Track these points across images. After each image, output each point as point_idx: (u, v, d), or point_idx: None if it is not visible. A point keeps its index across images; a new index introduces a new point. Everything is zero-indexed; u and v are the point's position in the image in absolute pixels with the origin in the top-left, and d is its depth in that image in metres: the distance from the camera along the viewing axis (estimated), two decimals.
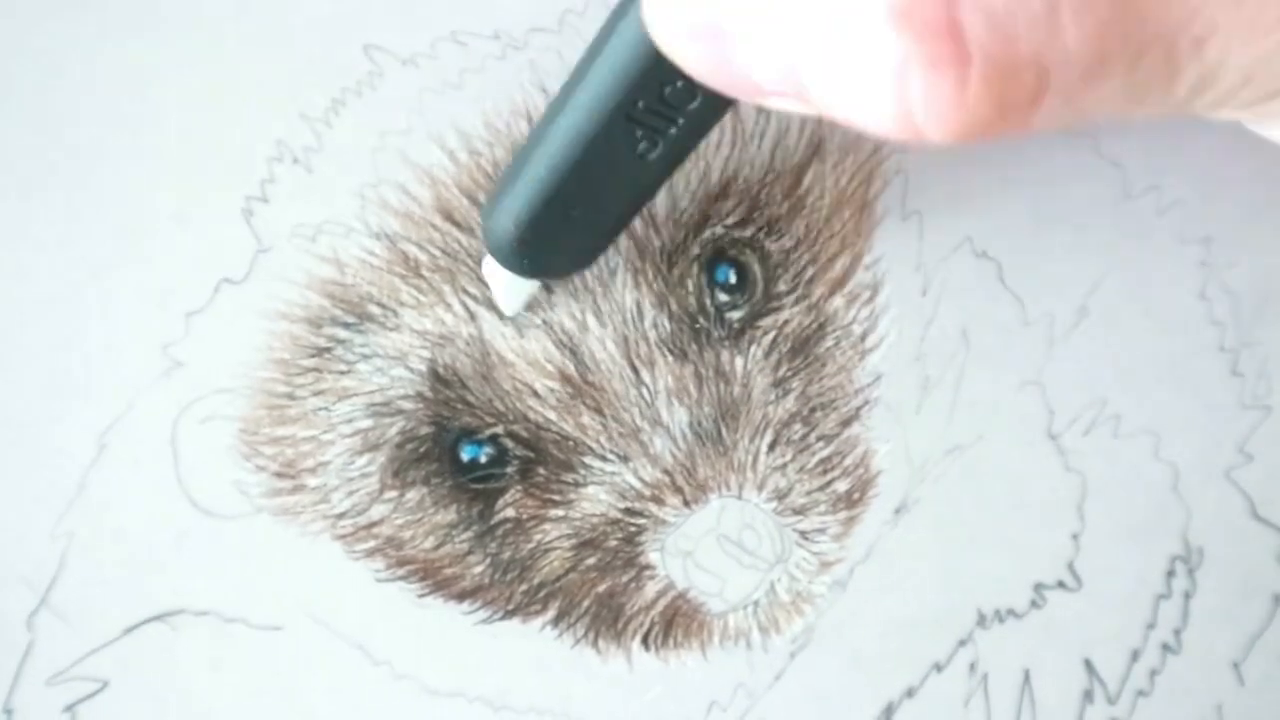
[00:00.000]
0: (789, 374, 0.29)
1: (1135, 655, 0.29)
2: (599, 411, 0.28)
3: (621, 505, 0.28)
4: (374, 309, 0.28)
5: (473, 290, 0.28)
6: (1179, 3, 0.17)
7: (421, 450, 0.28)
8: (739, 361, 0.28)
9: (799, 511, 0.28)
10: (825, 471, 0.29)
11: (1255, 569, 0.29)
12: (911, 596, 0.29)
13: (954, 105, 0.17)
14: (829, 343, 0.29)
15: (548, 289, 0.28)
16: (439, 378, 0.28)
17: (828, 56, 0.18)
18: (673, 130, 0.23)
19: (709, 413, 0.28)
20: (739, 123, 0.29)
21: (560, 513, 0.28)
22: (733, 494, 0.28)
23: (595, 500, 0.28)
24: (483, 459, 0.28)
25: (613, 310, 0.28)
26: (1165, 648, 0.29)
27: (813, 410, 0.29)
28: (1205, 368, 0.30)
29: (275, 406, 0.28)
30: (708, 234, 0.29)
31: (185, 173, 0.29)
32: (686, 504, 0.28)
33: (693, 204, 0.28)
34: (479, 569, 0.28)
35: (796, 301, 0.29)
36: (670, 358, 0.28)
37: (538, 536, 0.28)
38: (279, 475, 0.28)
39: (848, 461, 0.29)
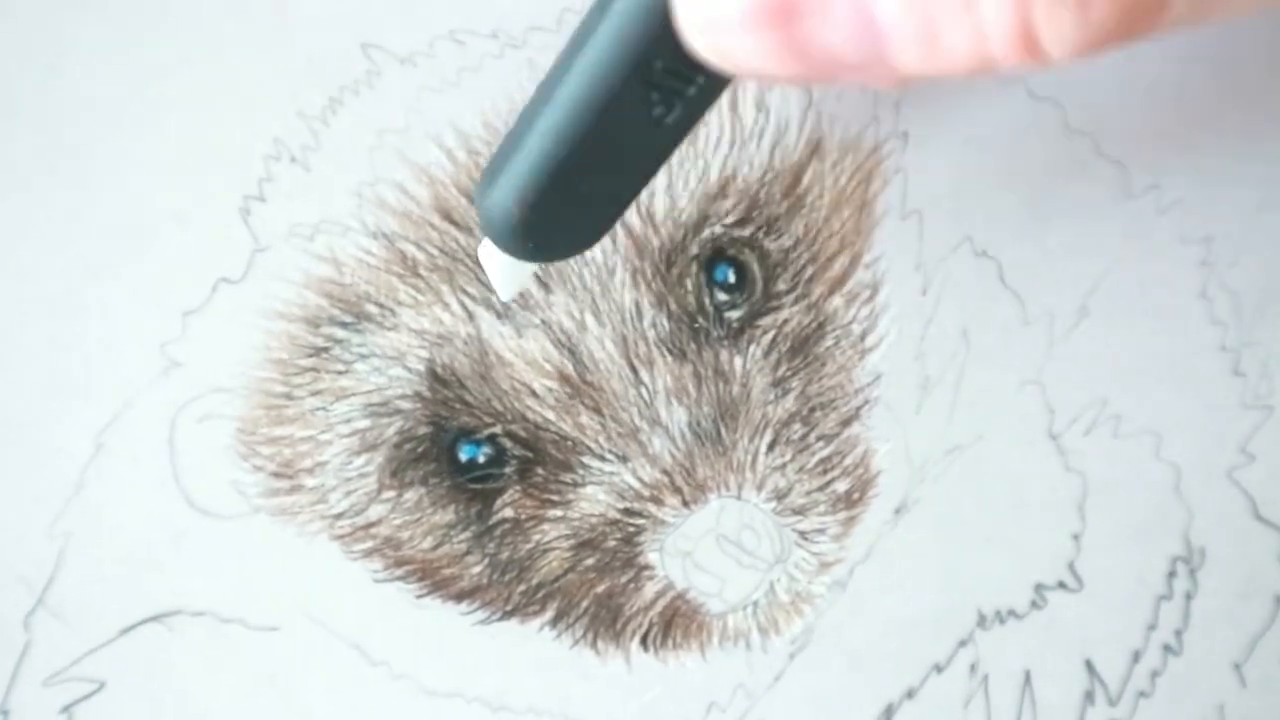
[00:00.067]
0: (788, 373, 0.29)
1: (1136, 656, 0.29)
2: (598, 411, 0.28)
3: (620, 505, 0.28)
4: (372, 308, 0.28)
5: (471, 290, 0.28)
6: None
7: (419, 450, 0.28)
8: (738, 361, 0.28)
9: (798, 511, 0.28)
10: (825, 471, 0.28)
11: (1257, 569, 0.29)
12: (911, 597, 0.29)
13: (1078, 21, 0.16)
14: (828, 342, 0.29)
15: (546, 288, 0.28)
16: (437, 377, 0.28)
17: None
18: (692, 90, 0.21)
19: (708, 412, 0.28)
20: (738, 121, 0.29)
21: (559, 513, 0.28)
22: (732, 494, 0.28)
23: (594, 500, 0.28)
24: (481, 459, 0.28)
25: (611, 310, 0.28)
26: (1166, 648, 0.29)
27: (812, 410, 0.29)
28: (1206, 367, 0.30)
29: (273, 406, 0.28)
30: (707, 233, 0.28)
31: (183, 172, 0.29)
32: (685, 504, 0.28)
33: (691, 203, 0.28)
34: (477, 569, 0.28)
35: (796, 301, 0.29)
36: (669, 357, 0.28)
37: (536, 537, 0.28)
38: (277, 475, 0.28)
39: (847, 461, 0.29)
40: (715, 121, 0.29)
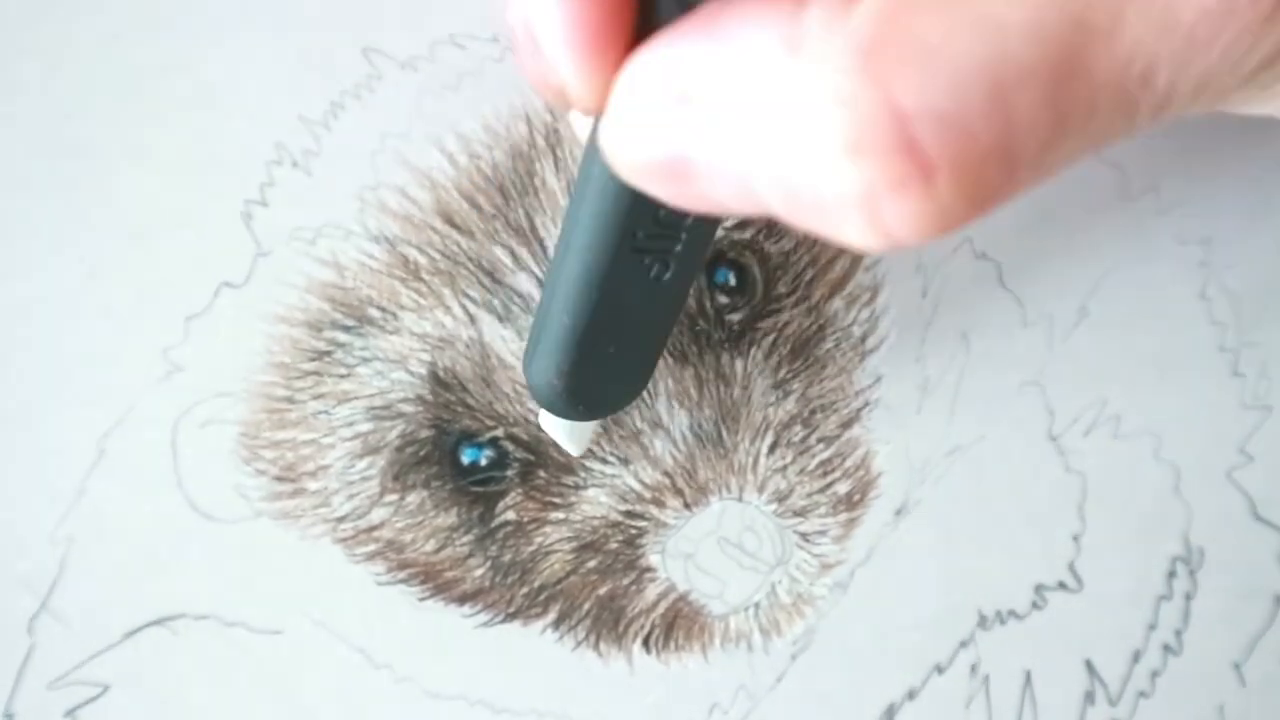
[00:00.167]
0: (789, 376, 0.29)
1: (1136, 656, 0.29)
2: None
3: (622, 508, 0.28)
4: (374, 312, 0.28)
5: (472, 293, 0.28)
6: (1117, 45, 0.17)
7: (422, 453, 0.28)
8: (739, 364, 0.28)
9: (799, 513, 0.28)
10: (826, 473, 0.28)
11: (1256, 570, 0.29)
12: (912, 598, 0.29)
13: (928, 214, 0.17)
14: (829, 344, 0.29)
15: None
16: (439, 381, 0.28)
17: (791, 192, 0.18)
18: (678, 247, 0.22)
19: (709, 415, 0.28)
20: None
21: (561, 515, 0.28)
22: (733, 496, 0.28)
23: (596, 503, 0.28)
24: (483, 462, 0.28)
25: None
26: (1166, 648, 0.29)
27: (813, 412, 0.29)
28: (1205, 368, 0.30)
29: (275, 410, 0.28)
30: None
31: (185, 176, 0.29)
32: (687, 506, 0.28)
33: None
34: (480, 572, 0.28)
35: (796, 303, 0.29)
36: (670, 360, 0.28)
37: (538, 539, 0.28)
38: (279, 479, 0.28)
39: (848, 463, 0.29)
40: None
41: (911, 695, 0.29)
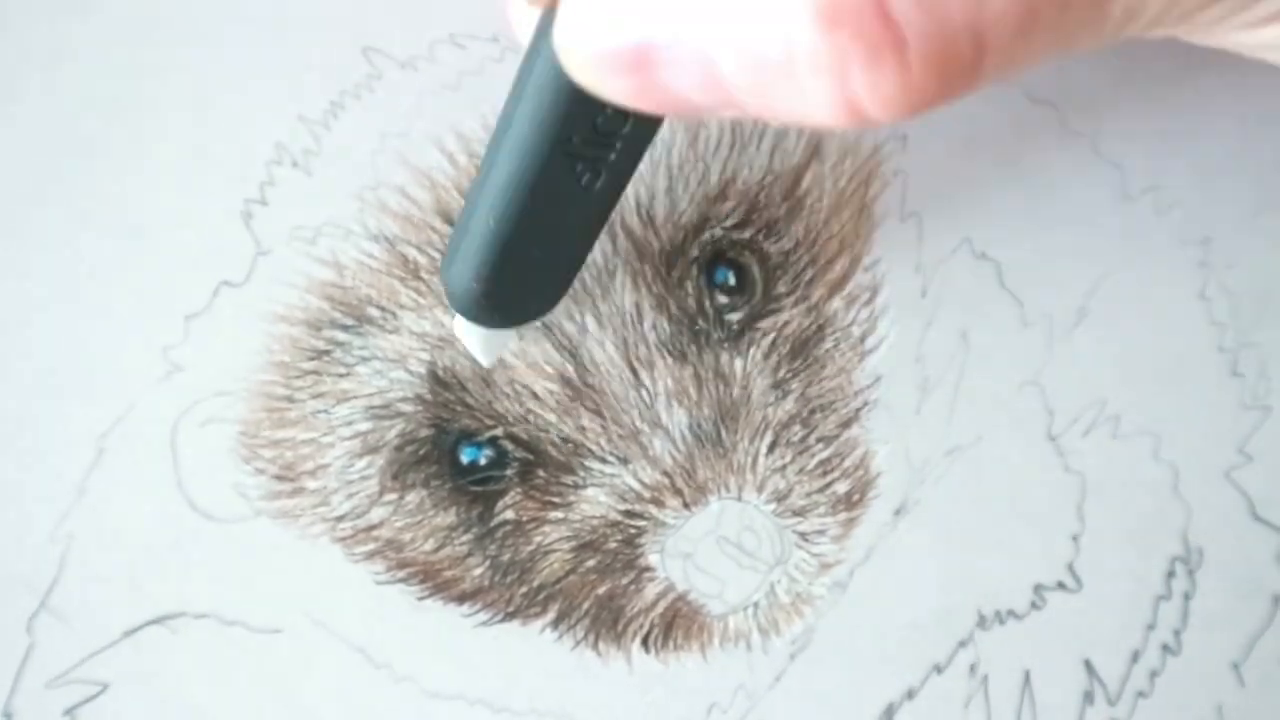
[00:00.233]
0: (788, 375, 0.29)
1: (1135, 656, 0.29)
2: (598, 414, 0.28)
3: (621, 507, 0.28)
4: (373, 311, 0.28)
5: None
6: None
7: (421, 453, 0.28)
8: (738, 363, 0.28)
9: (798, 513, 0.28)
10: (825, 473, 0.29)
11: (1255, 570, 0.29)
12: (911, 598, 0.29)
13: (899, 88, 0.17)
14: (828, 344, 0.29)
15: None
16: (438, 380, 0.28)
17: (758, 66, 0.18)
18: (612, 155, 0.23)
19: (708, 414, 0.28)
20: (737, 125, 0.29)
21: (560, 515, 0.28)
22: (732, 496, 0.28)
23: (595, 502, 0.28)
24: (482, 461, 0.28)
25: (612, 312, 0.28)
26: (1165, 649, 0.29)
27: (812, 412, 0.29)
28: (1205, 368, 0.30)
29: (275, 409, 0.28)
30: (706, 236, 0.29)
31: (184, 176, 0.29)
32: (686, 506, 0.28)
33: (691, 206, 0.28)
34: (479, 571, 0.28)
35: (796, 303, 0.29)
36: (669, 360, 0.28)
37: (538, 539, 0.28)
38: (278, 478, 0.28)
39: (847, 463, 0.29)
40: (716, 124, 0.29)
41: (910, 695, 0.29)
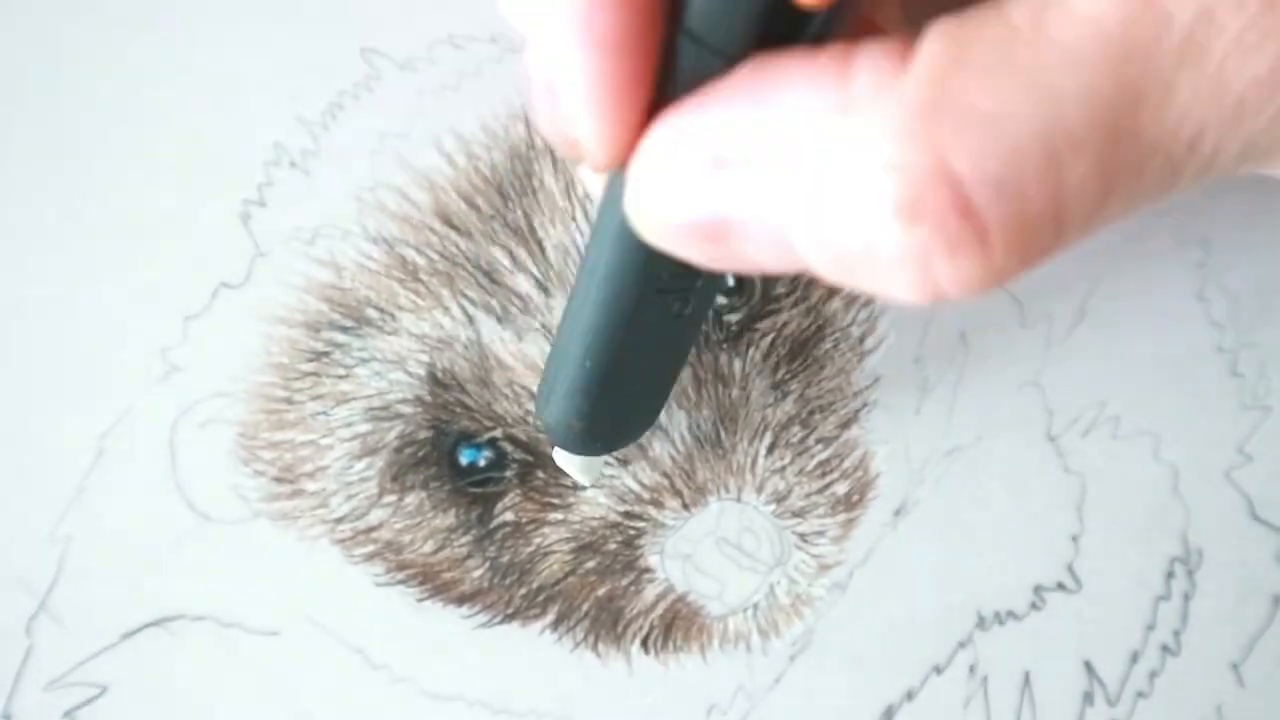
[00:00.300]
0: (787, 376, 0.29)
1: (1135, 657, 0.29)
2: None
3: (620, 508, 0.28)
4: (372, 313, 0.28)
5: (471, 294, 0.28)
6: (1168, 111, 0.17)
7: (420, 454, 0.28)
8: (737, 364, 0.28)
9: (798, 514, 0.28)
10: (824, 474, 0.28)
11: (1254, 570, 0.29)
12: (911, 598, 0.29)
13: (981, 271, 0.17)
14: (827, 345, 0.29)
15: (546, 292, 0.28)
16: (437, 381, 0.28)
17: (839, 254, 0.18)
18: (700, 281, 0.22)
19: (707, 415, 0.28)
20: None
21: (559, 516, 0.28)
22: (731, 497, 0.28)
23: (594, 504, 0.28)
24: (481, 463, 0.28)
25: None
26: (1165, 649, 0.29)
27: (811, 412, 0.29)
28: (1204, 368, 0.30)
29: (274, 411, 0.28)
30: None
31: (182, 177, 0.29)
32: (685, 507, 0.28)
33: None
34: (478, 573, 0.28)
35: (795, 304, 0.29)
36: None
37: (537, 540, 0.28)
38: (277, 480, 0.28)
39: (846, 464, 0.29)
40: None
41: (910, 696, 0.29)
